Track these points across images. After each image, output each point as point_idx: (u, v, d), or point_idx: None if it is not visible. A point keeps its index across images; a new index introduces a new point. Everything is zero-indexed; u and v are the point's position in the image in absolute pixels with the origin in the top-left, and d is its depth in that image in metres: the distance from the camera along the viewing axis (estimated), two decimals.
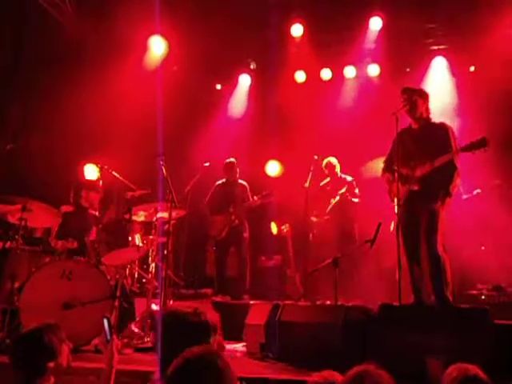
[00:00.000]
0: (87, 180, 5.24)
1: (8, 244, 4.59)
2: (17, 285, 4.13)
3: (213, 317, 1.97)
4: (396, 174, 4.28)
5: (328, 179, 6.58)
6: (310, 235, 6.40)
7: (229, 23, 7.17)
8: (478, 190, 5.63)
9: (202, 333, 1.88)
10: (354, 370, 1.85)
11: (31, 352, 2.16)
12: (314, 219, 6.43)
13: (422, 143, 4.28)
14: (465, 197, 5.63)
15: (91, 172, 6.33)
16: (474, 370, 2.04)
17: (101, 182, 5.23)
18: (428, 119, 4.43)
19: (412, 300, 4.23)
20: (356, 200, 6.31)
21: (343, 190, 6.26)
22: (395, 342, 3.39)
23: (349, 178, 6.44)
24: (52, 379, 2.18)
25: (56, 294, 4.10)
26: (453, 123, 4.64)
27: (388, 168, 4.63)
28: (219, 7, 6.94)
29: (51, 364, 2.18)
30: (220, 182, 6.82)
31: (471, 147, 3.91)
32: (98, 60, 7.23)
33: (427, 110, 4.44)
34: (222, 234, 6.56)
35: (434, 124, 4.41)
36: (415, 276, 4.27)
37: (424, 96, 4.45)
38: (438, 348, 3.16)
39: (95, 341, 4.14)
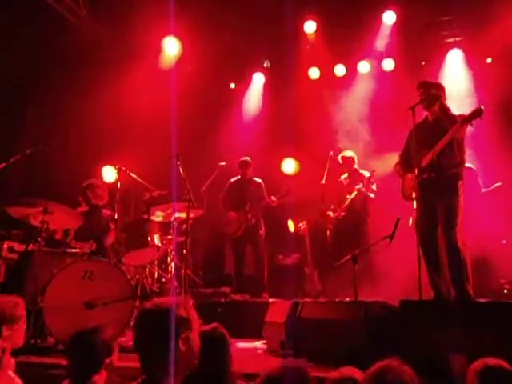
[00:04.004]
0: (87, 183, 5.35)
1: (30, 246, 4.67)
2: (40, 286, 4.19)
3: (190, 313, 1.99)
4: (409, 168, 4.32)
5: (346, 174, 6.51)
6: (328, 231, 6.37)
7: (242, 22, 7.19)
8: (498, 184, 5.55)
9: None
10: (377, 365, 1.84)
11: (94, 349, 2.30)
12: (330, 214, 6.39)
13: (437, 134, 4.26)
14: (484, 190, 5.55)
15: (109, 174, 6.41)
16: (494, 360, 2.03)
17: (119, 184, 5.29)
18: (445, 112, 4.40)
19: (432, 296, 4.20)
20: (372, 195, 6.25)
21: (360, 186, 6.18)
22: (417, 337, 3.36)
23: (366, 174, 6.37)
24: (105, 374, 2.31)
25: (78, 294, 4.15)
26: None
27: (402, 161, 4.61)
28: (232, 7, 6.96)
29: (107, 360, 2.33)
30: (234, 179, 6.84)
31: (469, 118, 4.01)
32: (113, 62, 7.31)
33: (444, 104, 4.40)
34: (238, 233, 6.59)
35: (451, 116, 4.37)
36: (434, 271, 4.23)
37: (441, 90, 4.43)
38: (461, 343, 3.13)
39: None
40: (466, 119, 4.03)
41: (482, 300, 4.26)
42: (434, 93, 4.34)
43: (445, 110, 4.38)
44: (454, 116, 4.27)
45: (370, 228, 6.26)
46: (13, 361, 2.53)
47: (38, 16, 6.70)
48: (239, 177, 6.83)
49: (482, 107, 3.96)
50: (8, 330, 2.52)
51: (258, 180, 6.83)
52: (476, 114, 3.98)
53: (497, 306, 3.61)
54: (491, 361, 2.03)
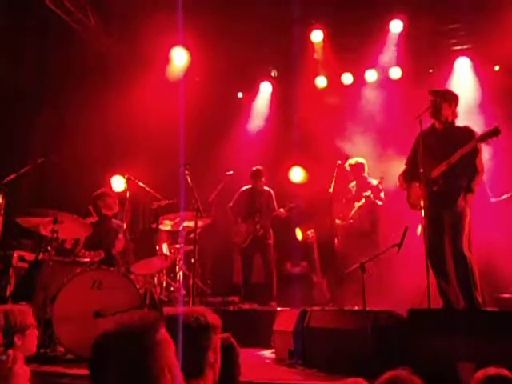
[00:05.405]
0: (98, 192, 5.39)
1: (41, 255, 4.72)
2: (50, 295, 4.22)
3: (214, 318, 1.99)
4: (414, 176, 4.31)
5: (355, 182, 6.46)
6: (336, 240, 6.35)
7: (248, 32, 7.25)
8: (508, 195, 5.51)
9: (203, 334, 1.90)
10: (387, 375, 1.82)
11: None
12: (338, 221, 6.36)
13: (445, 144, 4.23)
14: (493, 200, 5.51)
15: (118, 183, 6.47)
16: (495, 369, 2.01)
17: (128, 193, 5.33)
18: (453, 122, 4.35)
19: (441, 304, 4.18)
20: (380, 203, 6.21)
21: (368, 193, 6.16)
22: (425, 347, 3.34)
23: (374, 182, 6.32)
24: None
25: (87, 303, 4.17)
26: (478, 124, 4.59)
27: (408, 169, 4.59)
28: (239, 16, 7.02)
29: None
30: (246, 188, 6.81)
31: (485, 137, 3.99)
32: (121, 73, 7.40)
33: (454, 113, 4.34)
34: (246, 242, 6.59)
35: (459, 127, 4.34)
36: (442, 280, 4.21)
37: (450, 99, 4.35)
38: (470, 353, 3.10)
39: None
40: (482, 138, 4.01)
41: (492, 309, 4.23)
42: (440, 101, 4.32)
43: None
44: (464, 129, 4.25)
45: (382, 236, 6.21)
46: (28, 370, 2.53)
47: (47, 28, 6.81)
48: (250, 186, 6.78)
49: (498, 127, 3.91)
50: (20, 339, 2.54)
51: (269, 189, 6.80)
52: (492, 133, 3.94)
53: (506, 315, 3.58)
54: (493, 370, 2.02)
